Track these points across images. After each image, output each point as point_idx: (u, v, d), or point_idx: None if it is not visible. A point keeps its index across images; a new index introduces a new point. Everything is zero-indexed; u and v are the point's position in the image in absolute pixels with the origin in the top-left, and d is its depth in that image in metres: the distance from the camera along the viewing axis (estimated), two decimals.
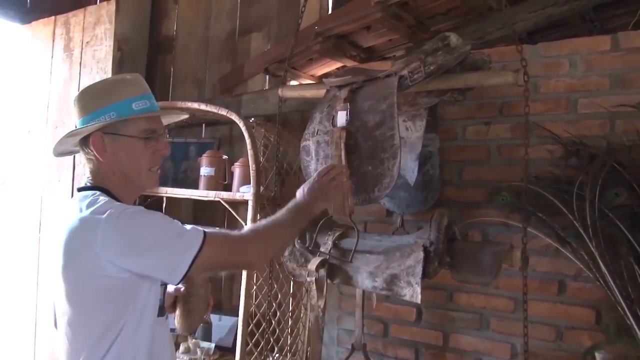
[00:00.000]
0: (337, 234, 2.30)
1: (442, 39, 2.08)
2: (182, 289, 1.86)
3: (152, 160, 1.66)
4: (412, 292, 2.05)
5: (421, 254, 2.03)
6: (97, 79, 3.36)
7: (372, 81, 2.21)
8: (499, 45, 2.76)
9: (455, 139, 2.51)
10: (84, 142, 1.63)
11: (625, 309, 2.01)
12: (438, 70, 2.06)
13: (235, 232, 1.72)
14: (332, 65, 3.20)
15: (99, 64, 3.42)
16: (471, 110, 2.46)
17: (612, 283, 2.03)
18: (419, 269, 2.02)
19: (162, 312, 1.67)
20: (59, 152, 1.75)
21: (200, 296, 1.87)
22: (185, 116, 1.92)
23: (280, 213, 1.79)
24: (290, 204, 1.83)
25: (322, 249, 2.28)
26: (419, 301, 2.04)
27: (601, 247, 2.03)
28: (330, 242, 2.28)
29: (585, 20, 3.24)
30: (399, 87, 2.09)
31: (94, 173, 1.65)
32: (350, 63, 3.07)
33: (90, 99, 1.63)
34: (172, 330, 1.96)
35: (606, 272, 2.03)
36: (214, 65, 3.78)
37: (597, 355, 1.84)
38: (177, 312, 1.90)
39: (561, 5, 2.64)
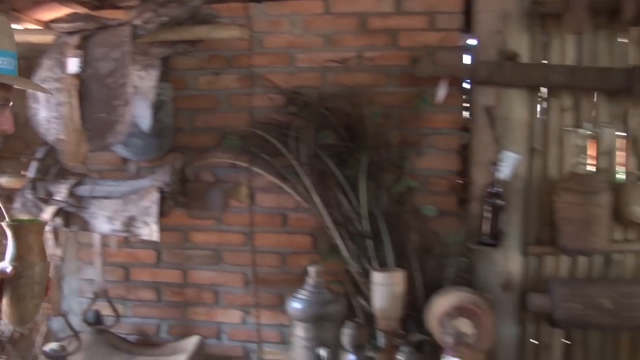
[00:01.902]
0: (72, 182, 2.31)
1: None
2: (8, 270, 1.42)
3: None
4: (150, 230, 2.18)
5: (157, 195, 2.17)
6: None
7: (104, 29, 2.23)
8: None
9: (187, 88, 2.65)
10: None
11: (334, 232, 2.40)
12: (170, 22, 2.18)
13: None
14: (60, 11, 3.07)
15: None
16: (202, 61, 2.62)
17: (323, 211, 2.40)
18: (154, 209, 2.16)
19: None
20: None
21: (34, 278, 1.44)
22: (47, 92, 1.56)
23: None
24: None
25: (56, 198, 2.27)
26: (157, 239, 2.18)
27: (315, 181, 2.38)
28: (65, 191, 2.28)
29: None
30: (131, 36, 2.16)
31: None
32: (80, 9, 2.98)
33: None
34: None
35: (318, 203, 2.39)
36: None
37: (310, 270, 2.17)
38: (4, 301, 1.47)
39: None
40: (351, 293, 2.46)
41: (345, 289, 2.47)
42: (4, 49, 1.28)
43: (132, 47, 2.15)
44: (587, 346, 2.44)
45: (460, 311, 2.08)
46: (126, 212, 2.19)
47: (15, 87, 1.33)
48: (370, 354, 2.34)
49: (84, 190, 2.28)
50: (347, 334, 2.26)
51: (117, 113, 2.10)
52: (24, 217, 1.75)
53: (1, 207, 1.51)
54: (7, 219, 1.49)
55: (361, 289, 2.41)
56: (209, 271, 2.64)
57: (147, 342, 2.68)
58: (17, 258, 1.43)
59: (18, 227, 1.45)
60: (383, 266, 2.36)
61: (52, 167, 2.32)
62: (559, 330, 2.43)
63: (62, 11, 3.00)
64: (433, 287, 2.32)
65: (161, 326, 2.72)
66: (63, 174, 2.32)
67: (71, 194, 2.27)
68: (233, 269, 2.62)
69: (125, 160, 2.62)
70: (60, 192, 2.27)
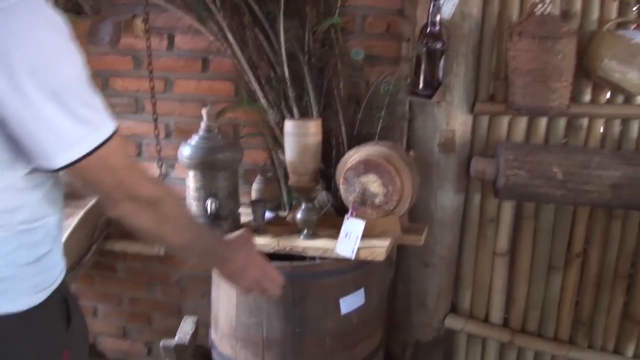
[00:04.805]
0: None
1: None
2: None
3: None
4: None
5: None
6: None
7: None
8: None
9: None
10: None
11: (250, 76, 2.11)
12: None
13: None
14: None
15: None
16: None
17: (239, 53, 2.10)
18: None
19: None
20: None
21: None
22: None
23: (204, 228, 1.44)
24: (215, 236, 1.44)
25: None
26: None
27: (228, 18, 2.06)
28: None
29: None
30: None
31: None
32: None
33: None
34: None
35: (233, 42, 2.08)
36: None
37: (203, 112, 1.90)
38: None
39: None
40: (271, 146, 2.21)
41: (266, 141, 2.23)
42: None
43: None
44: (538, 223, 2.13)
45: (367, 167, 1.80)
46: None
47: None
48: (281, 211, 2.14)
49: None
50: (253, 189, 2.06)
51: None
52: None
53: None
54: None
55: (280, 142, 2.15)
56: (130, 120, 2.43)
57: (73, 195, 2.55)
58: None
59: None
60: (305, 116, 2.08)
61: None
62: (508, 203, 2.13)
63: None
64: (360, 142, 2.02)
65: None
66: None
67: None
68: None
69: None
70: None
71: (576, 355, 2.17)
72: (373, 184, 1.80)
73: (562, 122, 2.03)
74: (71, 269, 2.09)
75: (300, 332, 1.80)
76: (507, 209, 2.13)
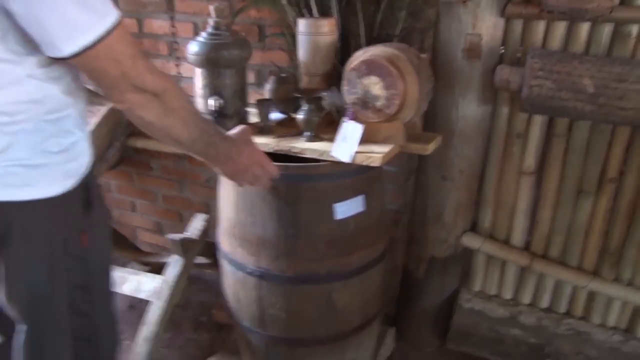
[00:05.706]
0: None
1: None
2: None
3: None
4: None
5: None
6: None
7: None
8: None
9: None
10: None
11: None
12: None
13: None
14: None
15: None
16: None
17: None
18: None
19: None
20: None
21: None
22: None
23: (209, 124, 1.39)
24: (220, 132, 1.41)
25: None
26: None
27: None
28: None
29: None
30: None
31: None
32: None
33: None
34: None
35: None
36: None
37: (211, 8, 1.85)
38: None
39: None
40: (291, 47, 2.14)
41: (287, 41, 2.16)
42: None
43: None
44: (570, 141, 1.95)
45: (370, 68, 1.70)
46: None
47: None
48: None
49: None
50: (266, 89, 2.02)
51: None
52: None
53: None
54: None
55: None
56: (161, 20, 2.43)
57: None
58: None
59: None
60: (326, 16, 1.99)
61: None
62: (539, 119, 1.96)
63: None
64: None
65: None
66: None
67: None
68: (184, 18, 2.38)
69: None
70: None
71: (599, 288, 2.03)
72: (375, 85, 1.70)
73: (606, 29, 1.80)
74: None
75: (294, 234, 1.78)
76: (537, 125, 1.97)
